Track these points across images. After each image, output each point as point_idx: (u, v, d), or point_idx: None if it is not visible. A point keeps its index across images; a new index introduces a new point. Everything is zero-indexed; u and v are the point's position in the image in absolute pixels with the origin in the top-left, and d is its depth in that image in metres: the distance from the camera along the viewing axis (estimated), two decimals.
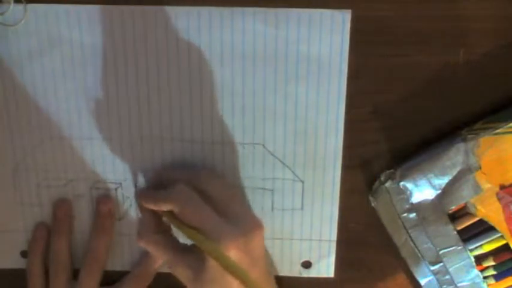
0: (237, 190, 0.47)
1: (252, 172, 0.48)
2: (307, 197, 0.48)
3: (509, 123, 0.43)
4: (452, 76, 0.46)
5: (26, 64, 0.46)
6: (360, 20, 0.44)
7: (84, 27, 0.45)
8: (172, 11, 0.44)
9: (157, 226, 0.45)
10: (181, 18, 0.45)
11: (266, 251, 0.46)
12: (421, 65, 0.45)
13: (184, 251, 0.43)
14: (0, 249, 0.51)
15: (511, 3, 0.44)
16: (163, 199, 0.43)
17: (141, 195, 0.47)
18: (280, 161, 0.48)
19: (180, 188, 0.43)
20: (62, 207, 0.49)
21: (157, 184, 0.47)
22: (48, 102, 0.47)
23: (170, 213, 0.43)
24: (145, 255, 0.50)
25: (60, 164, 0.48)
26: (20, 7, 0.45)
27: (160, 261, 0.49)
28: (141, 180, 0.48)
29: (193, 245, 0.43)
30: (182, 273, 0.43)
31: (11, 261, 0.51)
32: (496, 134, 0.43)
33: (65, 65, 0.46)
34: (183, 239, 0.45)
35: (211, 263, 0.40)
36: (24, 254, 0.51)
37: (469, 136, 0.44)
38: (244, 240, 0.41)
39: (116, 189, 0.49)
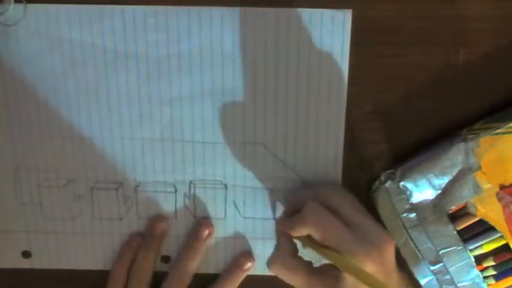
0: (359, 203, 0.46)
1: (253, 172, 0.48)
2: None
3: (509, 123, 0.43)
4: (452, 76, 0.46)
5: (27, 64, 0.46)
6: (361, 20, 0.44)
7: (84, 27, 0.45)
8: (174, 11, 0.44)
9: (293, 251, 0.44)
10: (182, 18, 0.45)
11: (399, 268, 0.45)
12: (421, 65, 0.46)
13: (318, 272, 0.43)
14: (0, 249, 0.51)
15: (511, 3, 0.44)
16: (299, 223, 0.43)
17: (280, 222, 0.47)
18: (281, 161, 0.48)
19: (311, 207, 0.43)
20: (160, 225, 0.49)
21: (292, 209, 0.46)
22: (49, 102, 0.47)
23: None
24: (234, 259, 0.50)
25: (60, 164, 0.48)
26: (20, 7, 0.45)
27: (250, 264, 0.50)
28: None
29: (325, 266, 0.43)
30: None
31: (11, 261, 0.51)
32: (496, 134, 0.43)
33: (65, 65, 0.46)
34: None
35: (347, 282, 0.41)
36: (25, 254, 0.51)
37: (469, 136, 0.44)
38: (378, 253, 0.41)
39: (116, 189, 0.49)
